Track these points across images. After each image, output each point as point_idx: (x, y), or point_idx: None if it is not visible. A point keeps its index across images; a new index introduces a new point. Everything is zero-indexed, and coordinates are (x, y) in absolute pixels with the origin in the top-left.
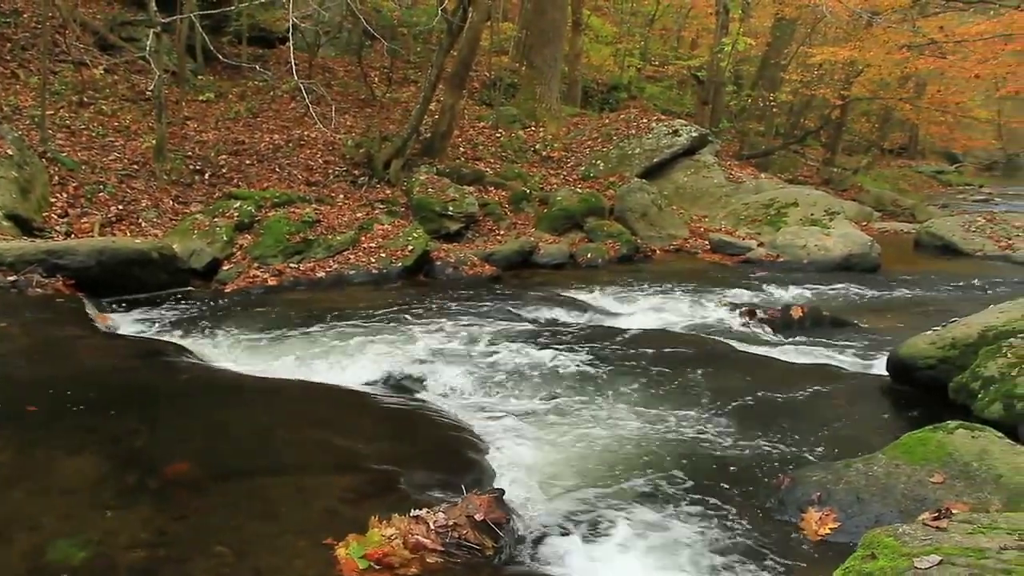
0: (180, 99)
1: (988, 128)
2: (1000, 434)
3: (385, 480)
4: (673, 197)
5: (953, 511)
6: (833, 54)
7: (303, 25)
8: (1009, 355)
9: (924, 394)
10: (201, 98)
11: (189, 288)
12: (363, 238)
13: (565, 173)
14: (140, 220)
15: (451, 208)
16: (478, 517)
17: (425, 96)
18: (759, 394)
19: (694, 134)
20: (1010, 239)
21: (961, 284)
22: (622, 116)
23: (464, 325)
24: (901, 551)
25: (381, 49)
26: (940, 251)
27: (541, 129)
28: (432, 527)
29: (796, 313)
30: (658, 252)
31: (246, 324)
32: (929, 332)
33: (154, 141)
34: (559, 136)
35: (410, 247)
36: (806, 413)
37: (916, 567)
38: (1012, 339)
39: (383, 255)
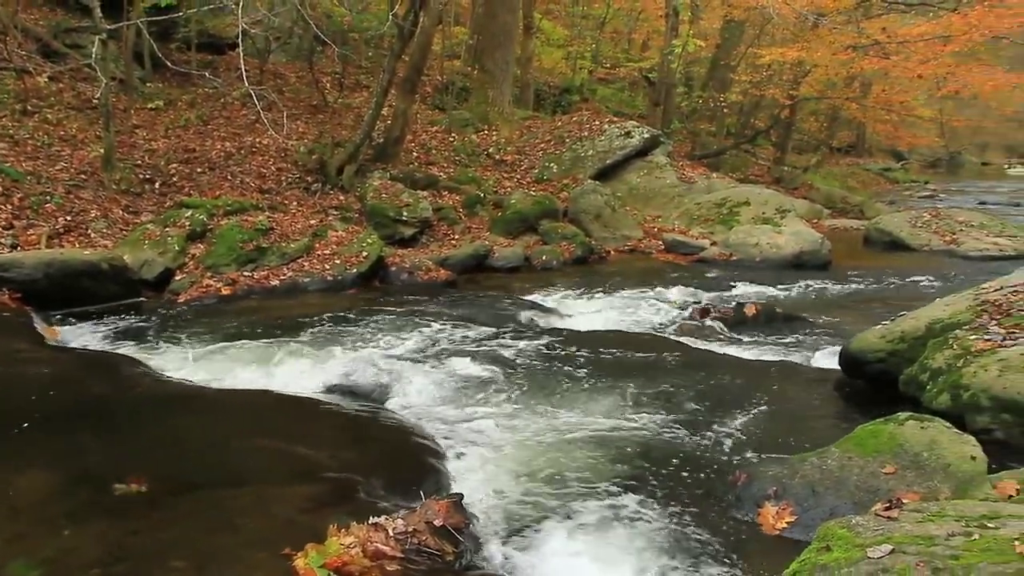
0: (128, 107)
1: (931, 126)
2: (948, 424)
3: (343, 488)
4: (626, 198)
5: (904, 501)
6: (781, 55)
7: (253, 31)
8: (955, 347)
9: (875, 387)
10: (150, 106)
11: (141, 299)
12: (317, 245)
13: (519, 176)
14: (89, 231)
15: (405, 213)
16: (437, 523)
17: (377, 101)
18: (714, 391)
19: (646, 135)
20: (954, 234)
21: (909, 278)
22: (574, 118)
23: (420, 330)
24: (854, 542)
25: (332, 54)
26: (888, 247)
27: (494, 132)
28: (391, 534)
29: (749, 311)
30: (613, 253)
31: (200, 334)
32: (879, 326)
33: (102, 150)
34: (512, 139)
35: (364, 253)
36: (761, 409)
37: (869, 557)
38: (957, 331)
39: (338, 262)
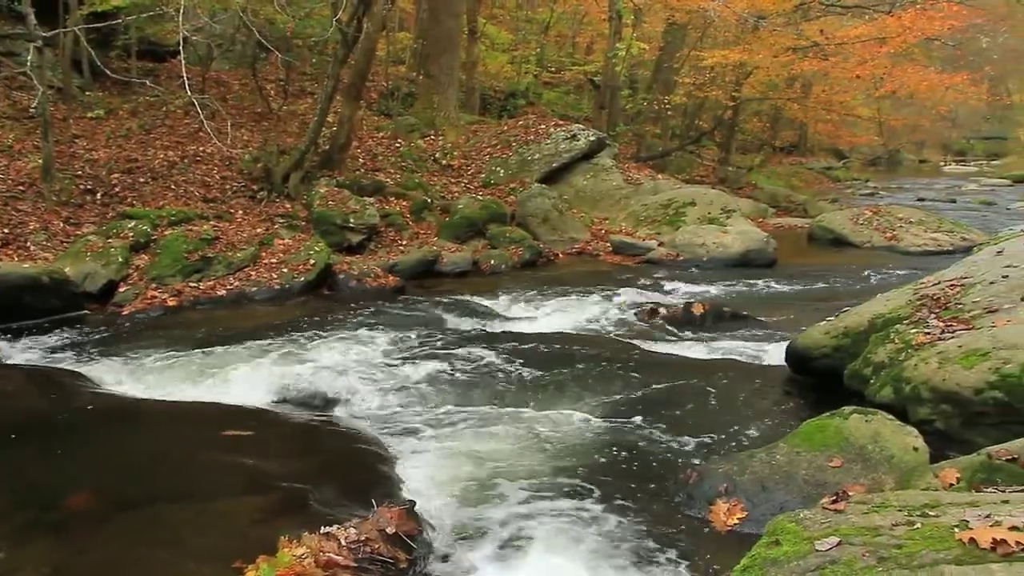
0: (67, 116)
1: (870, 125)
2: (891, 417)
3: (294, 498)
4: (574, 201)
5: (850, 493)
6: (724, 57)
7: (194, 38)
8: (897, 341)
9: (821, 382)
10: (90, 115)
11: (84, 312)
12: (264, 254)
13: (466, 181)
14: (28, 244)
15: (352, 220)
16: (390, 530)
17: (322, 108)
18: (664, 391)
19: (592, 138)
20: (895, 230)
21: (852, 275)
22: (520, 122)
23: (369, 338)
24: (803, 535)
25: (276, 61)
26: (832, 244)
27: (440, 138)
28: (343, 543)
29: (697, 310)
30: (561, 255)
31: (146, 347)
32: (823, 323)
33: (40, 161)
34: (459, 144)
35: (312, 261)
36: (710, 407)
37: (817, 549)
38: (898, 325)
39: (285, 270)
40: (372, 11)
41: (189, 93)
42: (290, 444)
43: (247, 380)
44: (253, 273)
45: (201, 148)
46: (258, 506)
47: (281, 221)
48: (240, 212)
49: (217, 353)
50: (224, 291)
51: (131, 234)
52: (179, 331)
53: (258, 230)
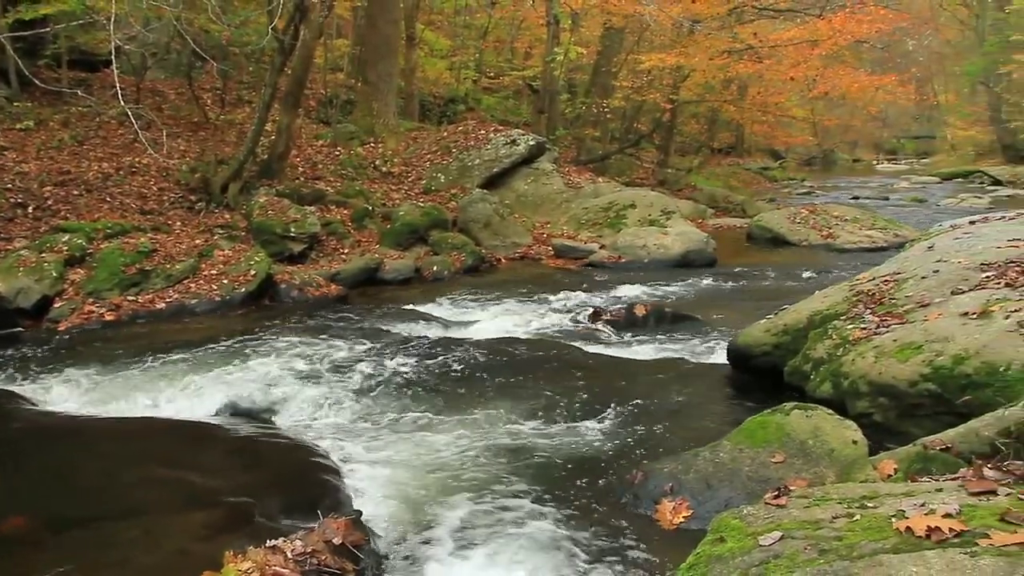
0: None
1: (805, 126)
2: (830, 411)
3: (239, 513)
4: (515, 205)
5: (791, 488)
6: (661, 60)
7: (127, 47)
8: (834, 336)
9: (763, 379)
10: (19, 126)
11: (17, 329)
12: (203, 265)
13: (406, 188)
14: None
15: (293, 229)
16: (336, 541)
17: (260, 117)
18: (608, 393)
19: (532, 143)
20: (830, 228)
21: (790, 273)
22: (460, 128)
23: (312, 347)
24: (746, 531)
25: (212, 70)
26: (770, 243)
27: (380, 145)
28: (290, 556)
29: (640, 311)
30: (503, 260)
31: (84, 363)
32: (763, 320)
33: None
34: (399, 151)
35: (253, 272)
36: (655, 407)
37: (760, 544)
38: (836, 321)
39: (225, 281)
40: (309, 18)
41: (123, 103)
42: (234, 457)
43: (189, 394)
44: (193, 285)
45: (137, 159)
46: (202, 522)
47: (220, 232)
48: (178, 223)
49: (157, 367)
50: (163, 304)
51: (65, 248)
52: (118, 346)
53: (197, 241)
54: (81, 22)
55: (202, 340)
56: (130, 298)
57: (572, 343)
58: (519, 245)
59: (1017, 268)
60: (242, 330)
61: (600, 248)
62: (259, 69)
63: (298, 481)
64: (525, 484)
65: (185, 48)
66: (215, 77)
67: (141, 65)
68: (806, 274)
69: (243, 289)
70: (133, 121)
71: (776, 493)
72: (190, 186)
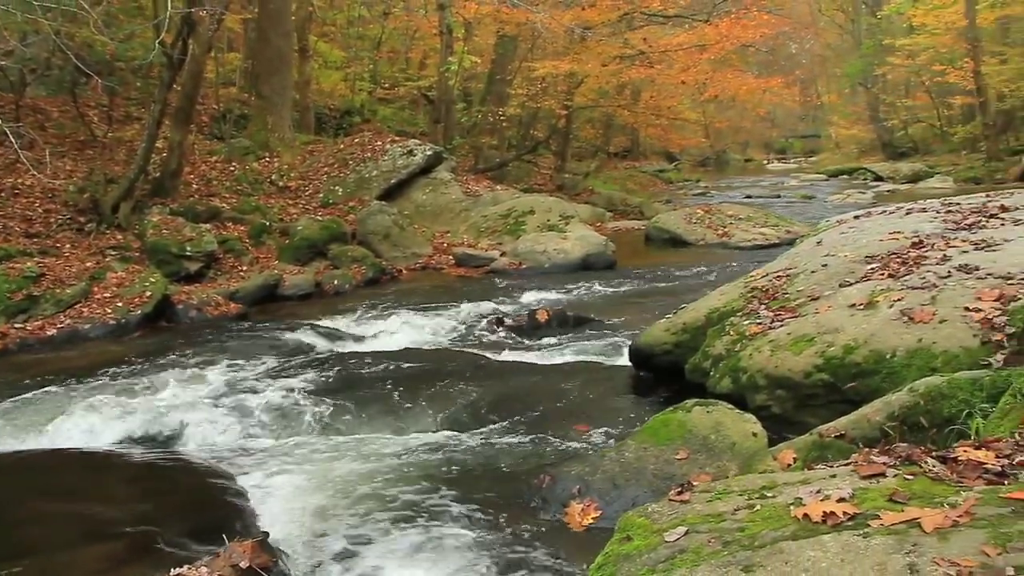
0: None
1: (698, 128)
2: (731, 406)
3: (142, 543)
4: (414, 216)
5: (694, 484)
6: (554, 67)
7: (4, 63)
8: (732, 333)
9: (665, 377)
10: None
11: None
12: (96, 288)
13: (304, 202)
14: None
15: (189, 248)
16: (243, 565)
17: (150, 133)
18: (514, 399)
19: (429, 152)
20: (726, 227)
21: (689, 272)
22: (357, 140)
23: (212, 368)
24: (652, 529)
25: (98, 86)
26: (668, 243)
27: (276, 159)
28: None
29: (542, 316)
30: (405, 271)
31: None
32: (663, 320)
33: None
34: (295, 165)
35: (148, 293)
36: (560, 410)
37: (666, 541)
38: (732, 318)
39: (120, 304)
40: (198, 32)
41: (1, 122)
42: (134, 486)
43: (84, 422)
44: (85, 310)
45: (19, 180)
46: (103, 555)
47: (113, 253)
48: (68, 246)
49: (50, 396)
50: (54, 330)
51: None
52: (6, 376)
53: (88, 264)
54: None
55: (97, 366)
56: (17, 326)
57: (476, 351)
58: (420, 255)
59: (898, 259)
60: (140, 354)
61: (501, 255)
62: (147, 85)
63: (202, 506)
64: (434, 495)
65: (67, 63)
66: (101, 93)
67: (20, 82)
68: (703, 273)
69: (139, 311)
70: (13, 141)
71: (680, 489)
72: (79, 207)
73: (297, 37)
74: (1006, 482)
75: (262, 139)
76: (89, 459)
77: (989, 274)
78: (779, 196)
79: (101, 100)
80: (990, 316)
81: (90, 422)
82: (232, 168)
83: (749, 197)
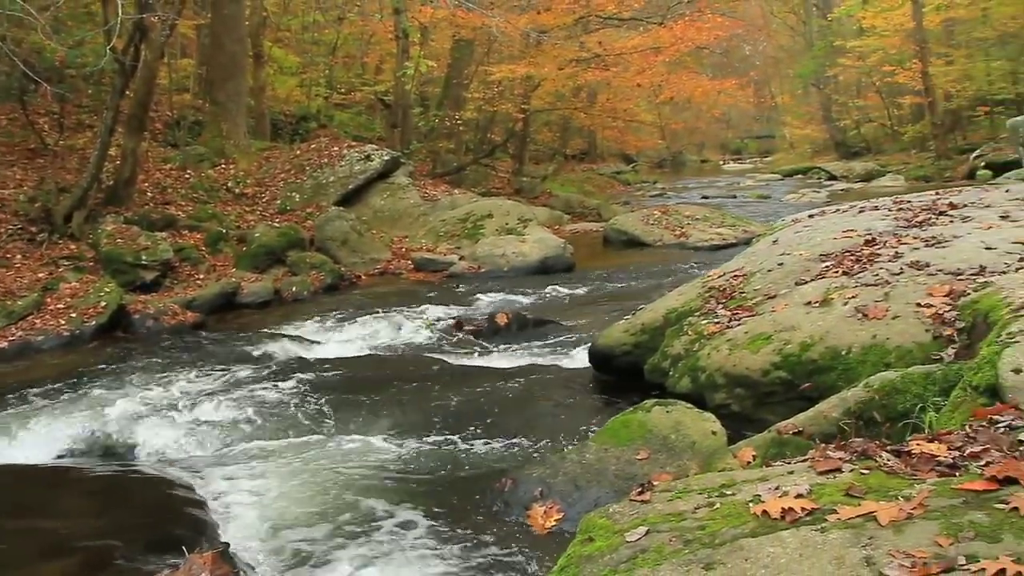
0: None
1: (654, 130)
2: (690, 405)
3: (99, 558)
4: (372, 221)
5: (655, 483)
6: (511, 71)
7: None
8: (690, 332)
9: (625, 378)
10: None
11: None
12: (49, 300)
13: (261, 209)
14: None
15: (144, 257)
16: None
17: (103, 141)
18: (475, 403)
19: (386, 158)
20: (683, 228)
21: (647, 273)
22: (313, 146)
23: (170, 378)
24: (614, 529)
25: (48, 93)
26: (626, 244)
27: (232, 166)
28: None
29: (501, 320)
30: (363, 277)
31: None
32: (622, 321)
33: None
34: (251, 171)
35: (103, 303)
36: (521, 414)
37: (627, 541)
38: (691, 318)
39: (74, 315)
40: (150, 38)
41: None
42: (91, 500)
43: (39, 436)
44: (38, 321)
45: None
46: (59, 571)
47: (66, 263)
48: (18, 257)
49: (3, 410)
50: (5, 343)
51: None
52: None
53: (40, 275)
54: None
55: (52, 378)
56: None
57: (437, 356)
58: (378, 261)
59: (852, 257)
60: (95, 365)
61: (460, 259)
62: (99, 91)
63: (161, 519)
64: (396, 501)
65: (15, 70)
66: (51, 100)
67: None
68: (661, 273)
69: (93, 322)
70: None
71: (641, 489)
72: (30, 217)
73: (251, 43)
74: (958, 474)
75: (217, 146)
76: (43, 474)
77: (939, 270)
78: (735, 196)
79: (51, 107)
80: (941, 311)
81: (43, 436)
82: (187, 175)
83: (706, 198)
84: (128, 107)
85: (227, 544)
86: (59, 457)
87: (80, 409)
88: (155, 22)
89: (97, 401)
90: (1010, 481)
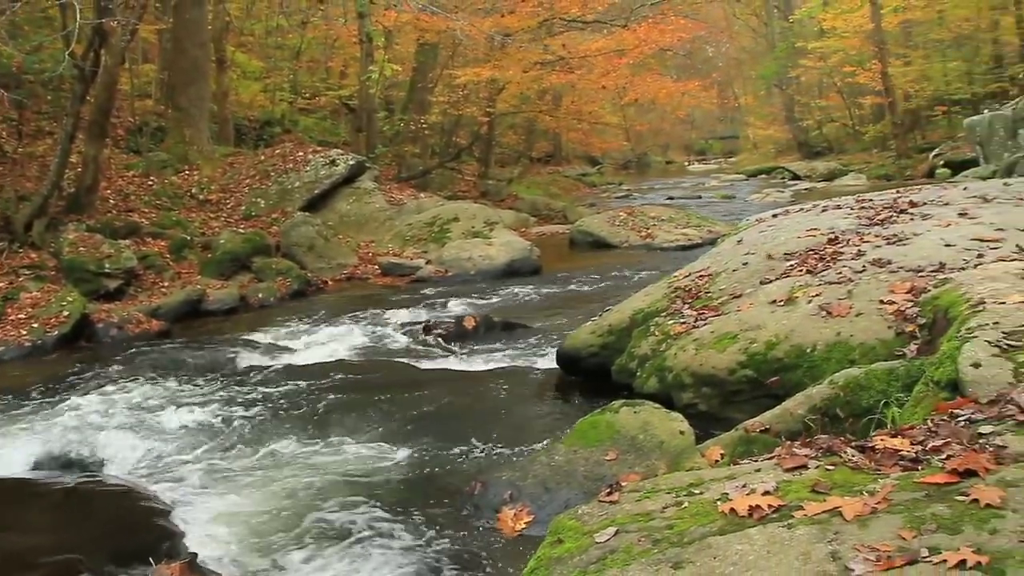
0: None
1: (619, 132)
2: (658, 405)
3: (64, 572)
4: (338, 226)
5: (623, 484)
6: (476, 74)
7: None
8: (657, 333)
9: (593, 380)
10: None
11: None
12: (9, 310)
13: (226, 215)
14: None
15: (107, 265)
16: None
17: (63, 148)
18: (444, 407)
19: (351, 162)
20: (649, 229)
21: (613, 274)
22: (278, 151)
23: (135, 387)
24: (583, 530)
25: (5, 99)
26: (592, 246)
27: (195, 172)
28: None
29: (469, 323)
30: (330, 283)
31: None
32: (589, 323)
33: None
34: (215, 178)
35: (66, 313)
36: (491, 417)
37: (597, 542)
38: (657, 318)
39: (35, 325)
40: (110, 43)
41: None
42: (55, 513)
43: (0, 449)
44: None
45: None
46: None
47: (27, 273)
48: None
49: None
50: None
51: None
52: None
53: (0, 284)
54: None
55: (12, 389)
56: None
57: (405, 360)
58: (345, 266)
59: (815, 256)
60: (58, 375)
61: (426, 263)
62: (59, 98)
63: (128, 530)
64: (365, 508)
65: None
66: (9, 107)
67: None
68: (628, 274)
69: (56, 332)
70: None
71: (609, 490)
72: None
73: (214, 47)
74: (920, 468)
75: (180, 152)
76: (4, 487)
77: (901, 267)
78: (700, 196)
79: (9, 114)
80: (903, 308)
81: (5, 448)
82: (150, 182)
83: (671, 198)
84: (89, 113)
85: (194, 554)
86: (22, 470)
87: (43, 421)
88: (115, 27)
89: (60, 412)
90: (970, 473)
